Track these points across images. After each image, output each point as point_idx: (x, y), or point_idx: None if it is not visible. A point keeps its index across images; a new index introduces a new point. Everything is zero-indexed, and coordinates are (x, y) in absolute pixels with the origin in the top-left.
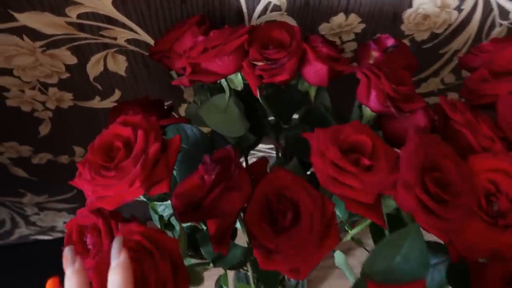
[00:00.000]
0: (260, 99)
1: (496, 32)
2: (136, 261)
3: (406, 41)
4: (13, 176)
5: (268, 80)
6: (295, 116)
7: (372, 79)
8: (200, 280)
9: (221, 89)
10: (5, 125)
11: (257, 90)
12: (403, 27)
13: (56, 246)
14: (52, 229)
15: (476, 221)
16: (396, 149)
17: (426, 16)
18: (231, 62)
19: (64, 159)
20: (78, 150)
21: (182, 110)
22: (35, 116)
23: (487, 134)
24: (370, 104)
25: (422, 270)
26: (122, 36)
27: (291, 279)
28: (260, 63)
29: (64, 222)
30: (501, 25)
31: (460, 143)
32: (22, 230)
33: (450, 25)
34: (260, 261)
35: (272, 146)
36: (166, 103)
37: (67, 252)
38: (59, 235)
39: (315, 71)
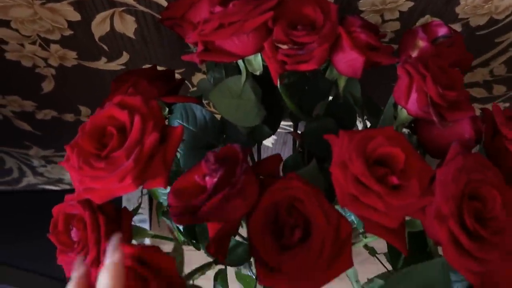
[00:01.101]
0: (279, 88)
1: None
2: None
3: (458, 26)
4: (18, 129)
5: (292, 68)
6: None
7: (415, 79)
8: None
9: (238, 67)
10: (5, 78)
11: (278, 78)
12: (457, 10)
13: (63, 197)
14: (60, 180)
15: None
16: (432, 161)
17: None
18: (250, 42)
19: (69, 117)
20: (84, 109)
21: (196, 79)
22: (36, 72)
23: None
24: (408, 107)
25: None
26: None
27: None
28: (284, 47)
29: None
30: None
31: (509, 164)
32: (30, 179)
33: None
34: (259, 276)
35: (290, 122)
36: (178, 71)
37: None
38: (67, 187)
39: (349, 61)
